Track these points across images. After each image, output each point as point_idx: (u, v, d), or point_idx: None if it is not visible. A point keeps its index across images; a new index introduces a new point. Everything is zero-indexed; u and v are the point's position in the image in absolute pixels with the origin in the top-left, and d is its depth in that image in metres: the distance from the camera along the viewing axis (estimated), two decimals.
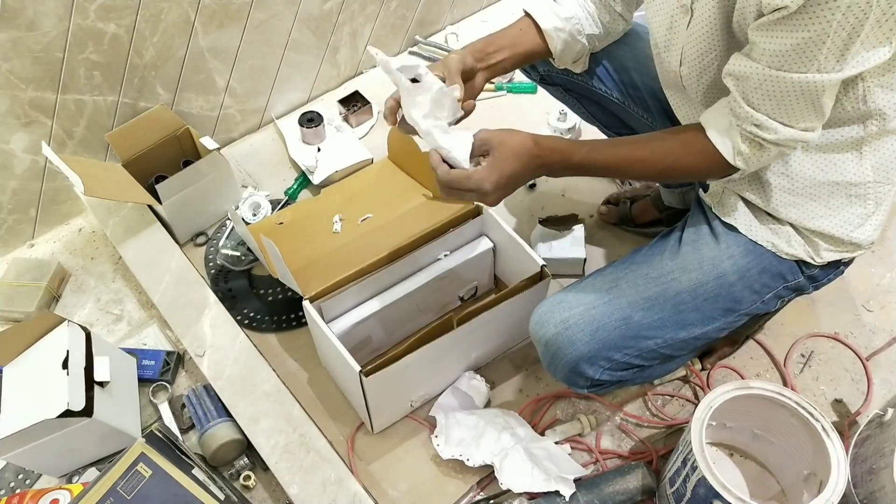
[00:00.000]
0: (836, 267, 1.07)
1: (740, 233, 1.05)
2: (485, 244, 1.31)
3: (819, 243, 1.02)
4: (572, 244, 1.45)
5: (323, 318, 1.16)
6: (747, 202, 1.05)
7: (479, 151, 0.96)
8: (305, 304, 1.16)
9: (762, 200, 1.02)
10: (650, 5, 1.02)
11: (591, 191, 1.62)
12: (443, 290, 1.32)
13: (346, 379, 1.19)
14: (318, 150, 1.67)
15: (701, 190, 1.14)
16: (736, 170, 0.93)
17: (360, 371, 1.06)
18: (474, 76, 1.07)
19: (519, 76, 1.87)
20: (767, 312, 1.12)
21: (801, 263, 1.05)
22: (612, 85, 1.25)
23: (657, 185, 1.49)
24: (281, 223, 1.37)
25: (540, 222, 1.50)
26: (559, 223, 1.49)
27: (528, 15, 1.11)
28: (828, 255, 1.03)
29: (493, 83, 1.86)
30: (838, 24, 0.75)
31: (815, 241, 1.02)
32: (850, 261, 1.08)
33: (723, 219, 1.07)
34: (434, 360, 1.17)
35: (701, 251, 1.06)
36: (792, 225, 1.03)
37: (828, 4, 0.74)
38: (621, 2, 1.13)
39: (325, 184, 1.61)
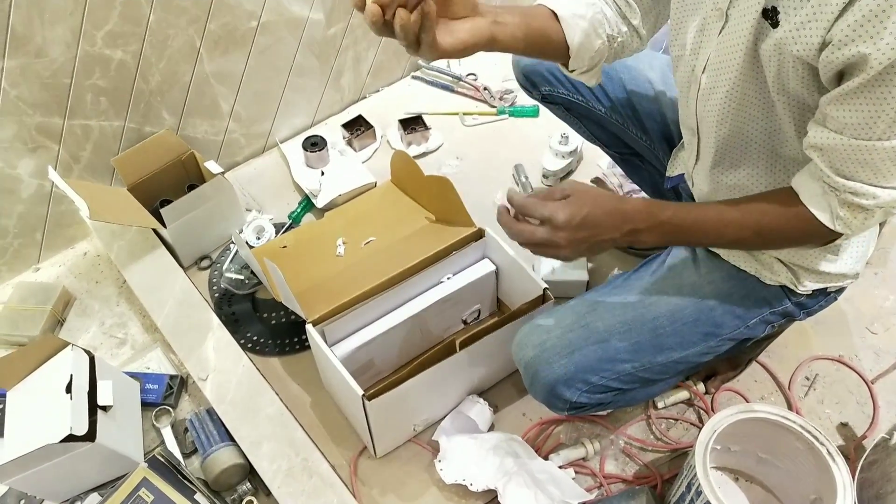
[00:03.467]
0: (825, 294, 1.06)
1: (723, 259, 1.05)
2: (487, 267, 1.32)
3: (800, 273, 1.01)
4: (574, 266, 1.45)
5: (326, 342, 1.17)
6: None
7: (560, 195, 0.88)
8: (308, 327, 1.16)
9: None
10: (682, 6, 0.94)
11: None
12: (446, 314, 1.32)
13: (348, 403, 1.19)
14: (322, 173, 1.68)
15: None
16: (839, 234, 0.87)
17: (363, 395, 1.06)
18: (476, 17, 0.86)
19: (521, 99, 1.89)
20: (759, 337, 1.11)
21: (787, 290, 1.04)
22: (612, 107, 1.26)
23: None
24: (284, 246, 1.37)
25: None
26: None
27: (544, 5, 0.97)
28: (811, 284, 1.02)
29: (494, 107, 1.88)
30: None
31: (796, 271, 1.01)
32: (841, 289, 1.06)
33: None
34: (437, 383, 1.17)
35: (681, 276, 1.06)
36: None
37: None
38: (640, 14, 1.02)
39: (328, 207, 1.62)
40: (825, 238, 0.89)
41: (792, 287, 1.02)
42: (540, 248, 0.89)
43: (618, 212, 0.88)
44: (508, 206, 0.91)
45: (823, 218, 0.84)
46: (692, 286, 1.05)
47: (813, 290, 1.03)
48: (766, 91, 0.86)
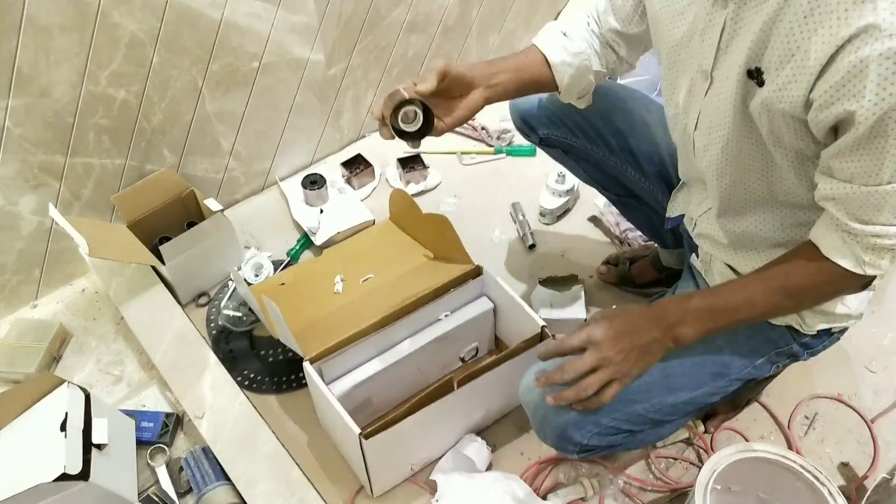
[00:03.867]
0: (829, 334, 1.06)
1: None
2: (485, 304, 1.32)
3: (806, 314, 1.01)
4: (572, 305, 1.46)
5: (323, 380, 1.16)
6: (735, 271, 1.06)
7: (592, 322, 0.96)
8: (306, 365, 1.16)
9: (747, 270, 1.03)
10: (672, 68, 0.99)
11: (591, 252, 1.63)
12: (443, 351, 1.32)
13: (345, 441, 1.18)
14: (321, 211, 1.69)
15: (693, 255, 1.15)
16: (872, 277, 0.87)
17: (360, 433, 1.05)
18: (471, 91, 1.01)
19: (518, 139, 1.91)
20: (764, 377, 1.11)
21: (792, 330, 1.04)
22: (609, 149, 1.27)
23: (656, 245, 1.51)
24: (283, 284, 1.38)
25: (540, 283, 1.51)
26: (559, 283, 1.50)
27: (537, 48, 1.08)
28: (816, 325, 1.02)
29: (492, 146, 1.90)
30: None
31: (801, 313, 1.01)
32: (845, 329, 1.07)
33: (712, 285, 1.07)
34: (434, 421, 1.17)
35: None
36: None
37: None
38: (625, 47, 1.10)
39: (327, 245, 1.62)
40: (859, 283, 0.89)
41: (797, 328, 1.03)
42: (595, 375, 0.93)
43: (648, 313, 0.94)
44: (542, 374, 0.96)
45: (850, 266, 0.85)
46: None
47: (818, 331, 1.03)
48: (762, 144, 0.88)
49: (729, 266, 1.06)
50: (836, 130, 0.78)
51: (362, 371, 1.23)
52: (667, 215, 1.22)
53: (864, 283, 0.90)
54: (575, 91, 1.12)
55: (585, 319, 1.44)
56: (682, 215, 1.16)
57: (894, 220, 0.80)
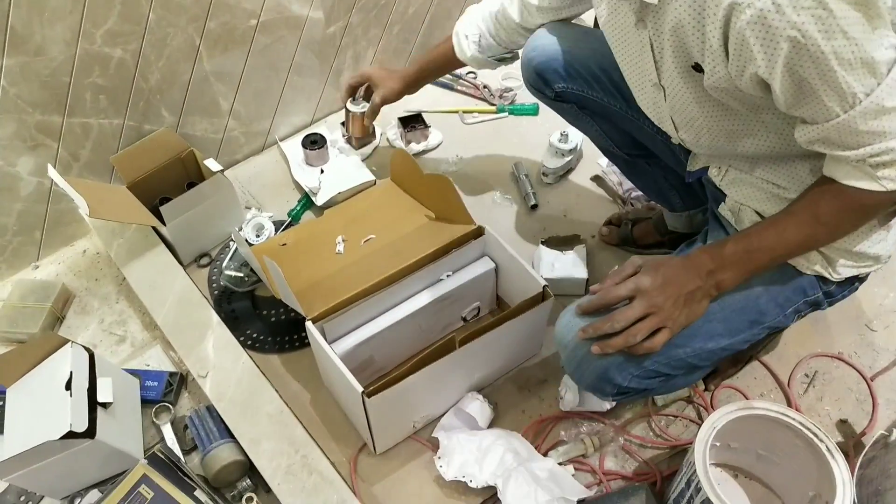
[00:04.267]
0: (851, 283, 1.06)
1: None
2: (487, 264, 1.32)
3: (836, 259, 1.01)
4: (574, 264, 1.45)
5: (326, 339, 1.17)
6: (763, 217, 1.05)
7: (631, 270, 1.00)
8: (308, 324, 1.16)
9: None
10: (633, 87, 1.09)
11: (594, 212, 1.62)
12: (445, 311, 1.32)
13: (348, 400, 1.19)
14: (322, 171, 1.68)
15: (715, 205, 1.15)
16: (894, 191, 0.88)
17: (363, 392, 1.06)
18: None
19: (521, 97, 1.89)
20: (781, 328, 1.12)
21: (819, 278, 1.04)
22: (626, 101, 1.24)
23: (660, 207, 1.50)
24: (284, 244, 1.37)
25: (542, 243, 1.50)
26: (561, 243, 1.50)
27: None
28: (845, 270, 1.02)
29: (494, 105, 1.88)
30: (834, 57, 0.77)
31: (832, 257, 1.01)
32: (866, 277, 1.07)
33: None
34: (437, 380, 1.17)
35: None
36: None
37: (809, 54, 0.77)
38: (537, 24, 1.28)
39: (328, 205, 1.62)
40: (887, 201, 0.89)
41: (826, 275, 1.03)
42: (645, 322, 0.96)
43: (687, 262, 0.97)
44: (591, 326, 0.99)
45: (868, 185, 0.86)
46: None
47: (845, 278, 1.03)
48: (743, 112, 0.95)
49: (757, 213, 1.06)
50: (768, 89, 0.85)
51: (365, 330, 1.23)
52: (688, 169, 1.20)
53: (893, 200, 0.90)
54: (487, 67, 1.42)
55: (587, 279, 1.44)
56: (706, 168, 1.15)
57: (880, 138, 0.82)
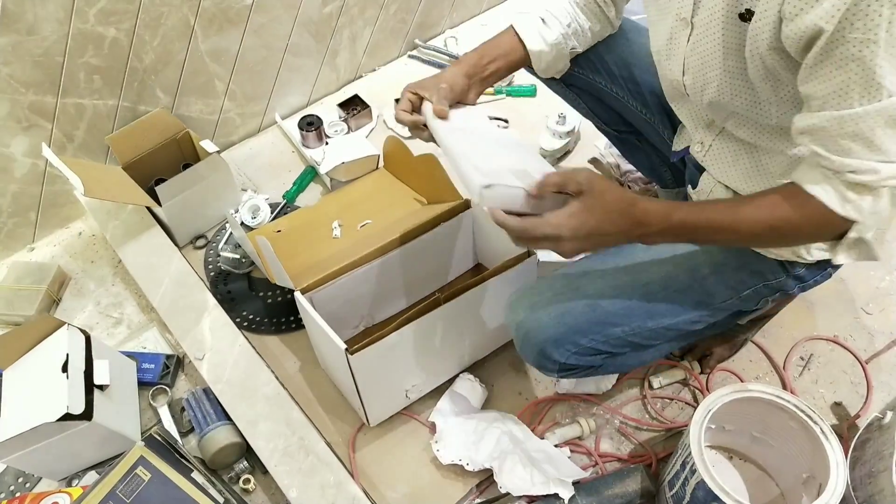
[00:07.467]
0: (823, 268, 1.05)
1: None
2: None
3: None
4: None
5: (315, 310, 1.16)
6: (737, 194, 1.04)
7: (573, 188, 0.86)
8: (297, 295, 1.15)
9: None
10: (649, 10, 1.01)
11: None
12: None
13: (337, 367, 1.18)
14: (326, 143, 1.68)
15: (690, 187, 1.14)
16: (851, 223, 0.84)
17: (346, 349, 1.05)
18: (467, 93, 1.11)
19: (519, 79, 1.88)
20: (753, 311, 1.11)
21: (786, 263, 1.03)
22: (613, 80, 1.25)
23: (655, 187, 1.49)
24: (279, 231, 1.37)
25: None
26: None
27: (515, 33, 1.14)
28: (818, 252, 0.98)
29: (492, 87, 1.87)
30: (888, 35, 0.70)
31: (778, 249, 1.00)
32: (838, 266, 1.05)
33: None
34: (423, 339, 1.17)
35: (677, 244, 1.05)
36: None
37: (867, 17, 0.69)
38: (614, 7, 1.15)
39: (331, 175, 1.61)
40: (838, 227, 0.86)
41: (797, 259, 1.00)
42: (541, 243, 0.90)
43: (628, 211, 0.86)
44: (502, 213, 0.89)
45: (831, 202, 0.82)
46: (686, 253, 1.05)
47: (818, 261, 1.01)
48: (756, 82, 0.89)
49: (734, 191, 1.05)
50: (807, 50, 0.77)
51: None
52: (672, 149, 1.20)
53: (843, 229, 0.87)
54: (552, 72, 1.21)
55: None
56: (688, 147, 1.14)
57: (870, 155, 0.78)
